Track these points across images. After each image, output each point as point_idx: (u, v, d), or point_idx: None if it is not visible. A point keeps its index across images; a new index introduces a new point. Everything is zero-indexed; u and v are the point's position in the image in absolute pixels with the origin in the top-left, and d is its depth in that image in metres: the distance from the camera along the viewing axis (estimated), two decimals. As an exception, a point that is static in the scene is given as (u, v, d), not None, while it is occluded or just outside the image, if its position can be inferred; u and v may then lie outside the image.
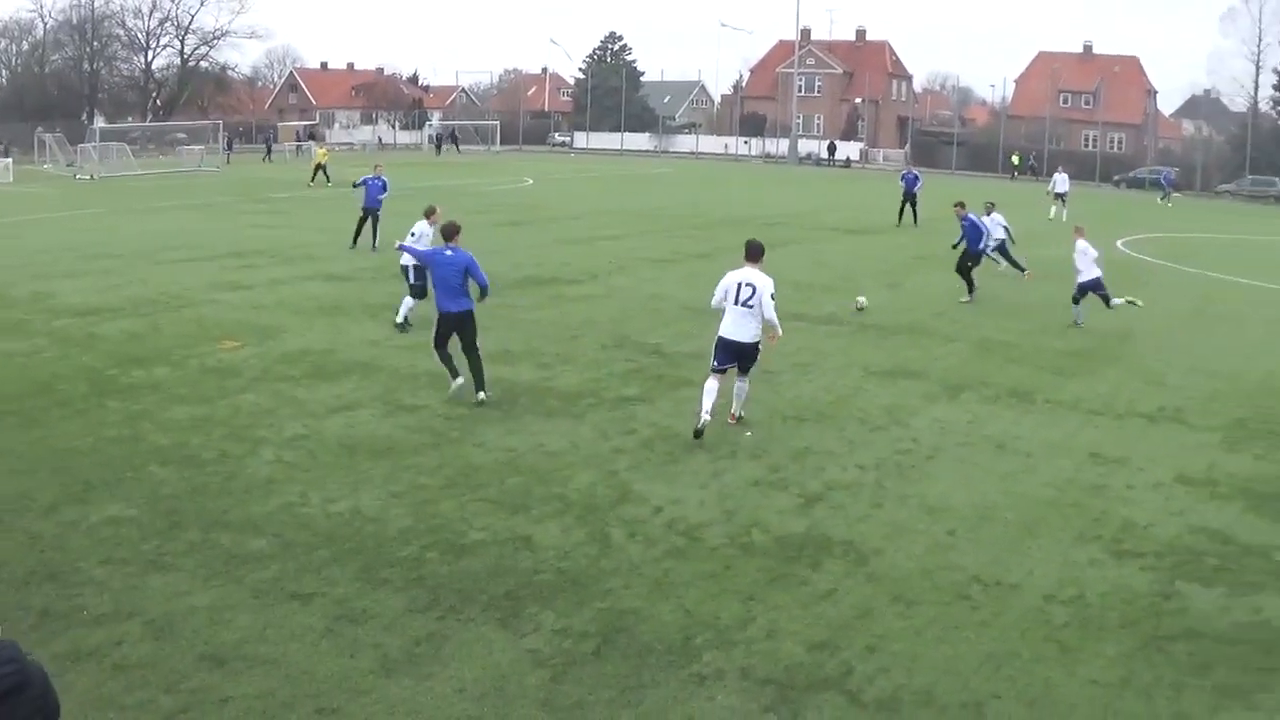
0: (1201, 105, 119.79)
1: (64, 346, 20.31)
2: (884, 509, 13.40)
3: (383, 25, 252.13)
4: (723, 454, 15.19)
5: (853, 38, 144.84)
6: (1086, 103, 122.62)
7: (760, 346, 16.16)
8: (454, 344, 17.33)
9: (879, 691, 9.09)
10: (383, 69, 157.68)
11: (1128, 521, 13.25)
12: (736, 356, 16.02)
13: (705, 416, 15.61)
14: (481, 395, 17.12)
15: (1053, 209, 54.71)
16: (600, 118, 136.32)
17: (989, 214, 30.38)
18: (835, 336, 23.57)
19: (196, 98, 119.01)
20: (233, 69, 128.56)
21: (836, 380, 19.73)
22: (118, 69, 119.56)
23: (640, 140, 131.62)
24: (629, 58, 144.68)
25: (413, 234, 21.39)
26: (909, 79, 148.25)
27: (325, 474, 13.83)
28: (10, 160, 66.60)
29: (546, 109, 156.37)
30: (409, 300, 22.06)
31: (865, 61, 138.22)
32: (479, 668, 9.18)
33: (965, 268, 28.41)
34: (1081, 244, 25.84)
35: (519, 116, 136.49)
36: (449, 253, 17.26)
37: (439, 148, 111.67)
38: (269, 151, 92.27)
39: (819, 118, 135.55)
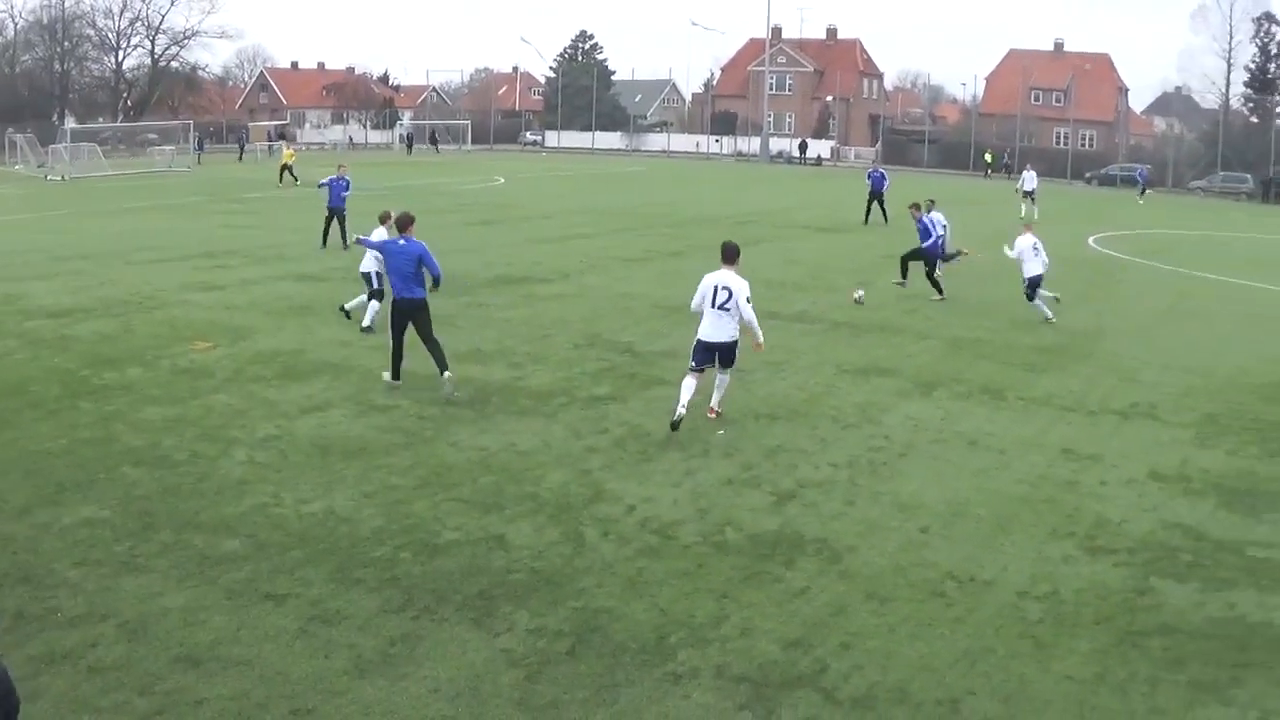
0: (1173, 102, 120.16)
1: (36, 348, 20.20)
2: (857, 506, 13.41)
3: (353, 25, 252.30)
4: (695, 452, 15.20)
5: (824, 36, 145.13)
6: (1058, 100, 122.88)
7: (738, 344, 16.36)
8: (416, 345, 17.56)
9: (854, 689, 9.10)
10: (353, 68, 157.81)
11: (1101, 518, 13.30)
12: (712, 356, 16.28)
13: (681, 410, 15.92)
14: (447, 374, 17.49)
15: (1023, 207, 54.79)
16: (571, 117, 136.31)
17: (929, 212, 30.47)
18: (808, 335, 23.59)
19: (167, 98, 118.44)
20: (203, 69, 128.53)
21: (809, 378, 19.75)
22: (88, 69, 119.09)
23: (612, 139, 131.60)
24: (600, 57, 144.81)
25: (364, 238, 21.41)
26: (880, 77, 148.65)
27: (298, 474, 13.79)
28: (-20, 161, 66.31)
29: (518, 108, 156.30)
30: (374, 304, 22.00)
31: (836, 60, 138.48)
32: (453, 668, 9.17)
33: (926, 273, 28.58)
34: (1029, 239, 26.01)
35: (490, 116, 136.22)
36: (402, 242, 17.79)
37: (410, 147, 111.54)
38: (242, 151, 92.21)
39: (790, 116, 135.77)
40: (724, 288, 15.99)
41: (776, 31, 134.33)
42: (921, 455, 15.56)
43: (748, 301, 16.00)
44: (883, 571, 11.48)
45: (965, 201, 61.71)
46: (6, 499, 12.66)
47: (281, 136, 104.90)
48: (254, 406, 16.78)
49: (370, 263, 21.89)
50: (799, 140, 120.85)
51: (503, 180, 71.13)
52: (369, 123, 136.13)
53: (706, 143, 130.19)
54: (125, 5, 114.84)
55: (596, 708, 8.70)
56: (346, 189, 34.84)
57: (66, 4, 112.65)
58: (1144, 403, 18.94)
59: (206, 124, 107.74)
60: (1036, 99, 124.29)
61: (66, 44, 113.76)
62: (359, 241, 20.46)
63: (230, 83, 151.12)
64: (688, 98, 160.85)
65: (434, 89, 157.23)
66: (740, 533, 12.40)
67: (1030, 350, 22.78)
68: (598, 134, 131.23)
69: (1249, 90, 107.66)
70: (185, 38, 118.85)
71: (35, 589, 10.33)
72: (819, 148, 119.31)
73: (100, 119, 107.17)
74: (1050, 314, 25.86)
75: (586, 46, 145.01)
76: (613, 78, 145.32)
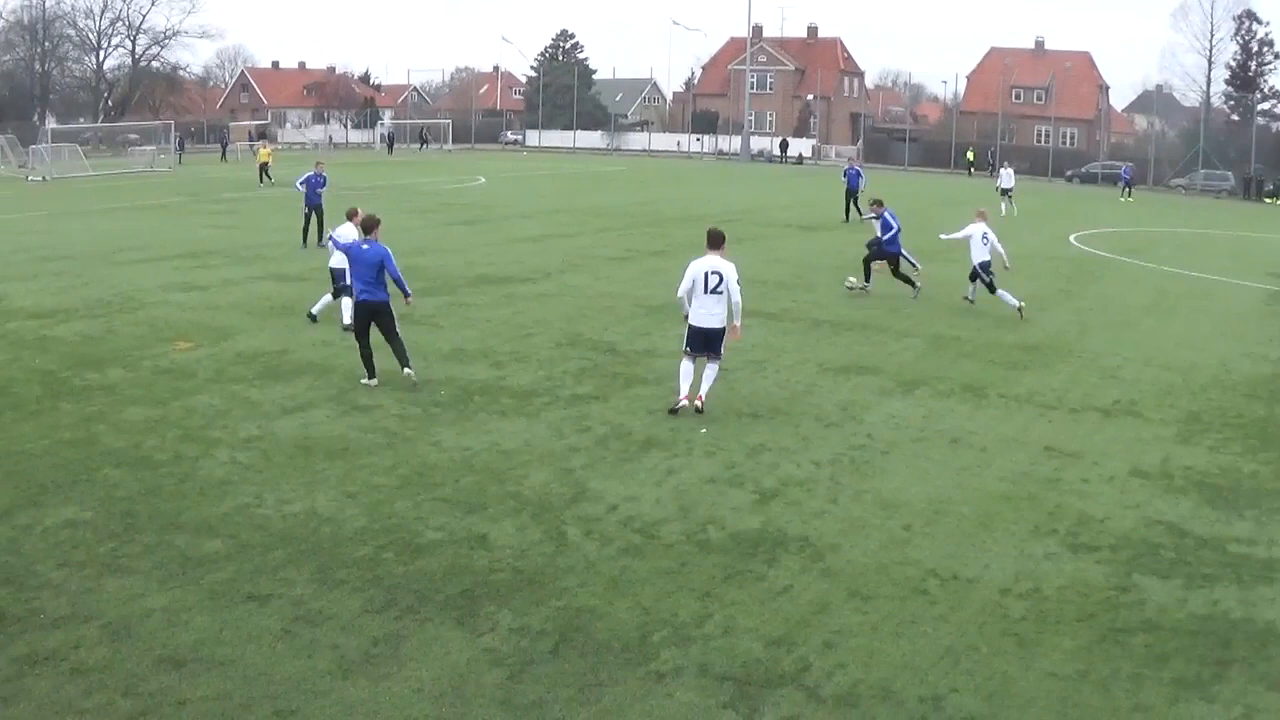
0: (1154, 100, 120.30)
1: (17, 349, 20.15)
2: (839, 504, 13.43)
3: (334, 24, 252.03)
4: (678, 451, 15.21)
5: (805, 35, 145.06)
6: (1039, 98, 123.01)
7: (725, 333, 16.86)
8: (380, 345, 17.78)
9: (837, 686, 9.11)
10: (334, 68, 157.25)
11: (1083, 515, 13.33)
12: (706, 342, 16.81)
13: (682, 400, 16.65)
14: (407, 370, 17.81)
15: (1003, 205, 54.80)
16: (552, 116, 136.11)
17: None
18: (790, 333, 23.62)
19: (148, 98, 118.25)
20: (184, 69, 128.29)
21: (791, 376, 19.77)
22: (69, 69, 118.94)
23: (593, 138, 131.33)
24: (581, 56, 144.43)
25: (334, 238, 21.37)
26: (861, 75, 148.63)
27: (280, 475, 13.77)
28: (-38, 163, 66.08)
29: (498, 107, 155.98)
30: (346, 301, 21.91)
31: (817, 58, 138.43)
32: (436, 667, 9.16)
33: (893, 270, 28.66)
34: (980, 227, 26.23)
35: (471, 115, 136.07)
36: (365, 246, 18.03)
37: (390, 147, 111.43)
38: (224, 151, 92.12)
39: (771, 114, 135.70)
40: (714, 272, 16.61)
41: (757, 30, 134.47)
42: (904, 453, 15.58)
43: (737, 284, 16.66)
44: (865, 569, 11.49)
45: (947, 202, 61.90)
46: (-13, 501, 12.63)
47: (263, 136, 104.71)
48: (236, 407, 16.75)
49: (339, 259, 21.83)
50: (780, 139, 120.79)
51: (484, 180, 71.03)
52: (350, 122, 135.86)
53: (687, 142, 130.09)
54: (106, 5, 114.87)
55: (580, 707, 8.70)
56: (323, 185, 34.82)
57: (47, 4, 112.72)
58: (1126, 400, 18.99)
59: (187, 124, 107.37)
60: (1018, 97, 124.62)
61: (47, 44, 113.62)
62: (330, 239, 20.75)
63: (211, 83, 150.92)
64: (669, 97, 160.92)
65: (415, 88, 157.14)
66: (723, 531, 12.41)
67: (1012, 348, 22.82)
68: (579, 133, 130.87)
69: (1230, 88, 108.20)
70: (166, 38, 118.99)
71: (18, 590, 10.30)
72: (800, 146, 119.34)
73: (81, 119, 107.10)
74: (1016, 302, 26.03)
75: (567, 46, 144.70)
76: (594, 77, 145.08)
